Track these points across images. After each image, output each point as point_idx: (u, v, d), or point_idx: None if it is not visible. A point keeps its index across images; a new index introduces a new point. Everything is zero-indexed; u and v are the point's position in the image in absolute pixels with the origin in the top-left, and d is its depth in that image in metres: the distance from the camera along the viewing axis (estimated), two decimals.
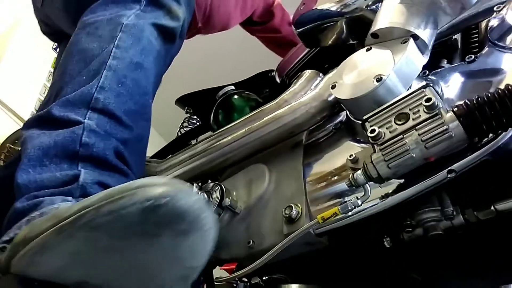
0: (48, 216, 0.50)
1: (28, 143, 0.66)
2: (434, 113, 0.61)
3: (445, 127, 0.60)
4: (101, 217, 0.46)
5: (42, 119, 0.70)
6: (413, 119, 0.64)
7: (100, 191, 0.52)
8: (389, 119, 0.67)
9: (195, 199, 0.49)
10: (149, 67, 0.79)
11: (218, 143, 0.99)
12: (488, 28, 0.79)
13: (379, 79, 0.71)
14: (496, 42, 0.76)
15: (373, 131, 0.66)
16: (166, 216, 0.47)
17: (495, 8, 0.78)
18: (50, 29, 1.20)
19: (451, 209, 0.68)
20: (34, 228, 0.49)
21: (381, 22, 0.77)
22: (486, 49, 0.78)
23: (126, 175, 0.68)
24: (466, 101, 0.60)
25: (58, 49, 1.20)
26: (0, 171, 1.05)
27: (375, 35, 0.78)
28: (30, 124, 0.71)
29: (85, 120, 0.67)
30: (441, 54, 0.90)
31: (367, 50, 0.78)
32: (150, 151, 1.47)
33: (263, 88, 1.33)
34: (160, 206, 0.46)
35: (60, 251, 0.47)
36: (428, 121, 0.62)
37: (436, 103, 0.62)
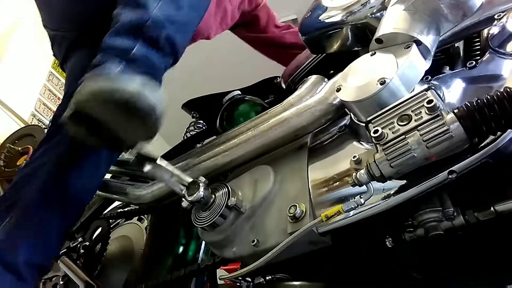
0: (89, 84, 0.85)
1: (117, 16, 0.96)
2: (436, 114, 0.64)
3: (446, 128, 0.62)
4: (100, 99, 0.83)
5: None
6: (415, 120, 0.66)
7: (143, 64, 0.93)
8: (391, 120, 0.69)
9: (156, 99, 0.84)
10: None
11: (224, 145, 1.02)
12: (489, 35, 0.82)
13: (382, 82, 0.73)
14: (497, 49, 0.78)
15: (376, 131, 0.68)
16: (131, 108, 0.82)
17: (496, 16, 0.81)
18: None
19: (452, 209, 0.69)
20: (84, 88, 0.85)
21: (385, 27, 0.79)
22: (487, 55, 0.80)
23: (168, 55, 0.98)
24: (467, 103, 0.62)
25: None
26: None
27: (379, 40, 0.80)
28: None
29: (159, 4, 0.95)
30: (444, 61, 0.92)
31: (372, 54, 0.81)
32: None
33: (269, 94, 1.35)
34: (129, 103, 0.82)
35: (86, 104, 0.84)
36: (430, 122, 0.64)
37: (438, 105, 0.64)
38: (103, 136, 0.88)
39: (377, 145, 0.68)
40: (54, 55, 1.28)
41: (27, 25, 3.40)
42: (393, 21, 0.79)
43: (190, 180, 0.90)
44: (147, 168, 0.91)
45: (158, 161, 0.92)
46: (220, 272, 1.20)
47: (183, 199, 0.89)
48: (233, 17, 1.51)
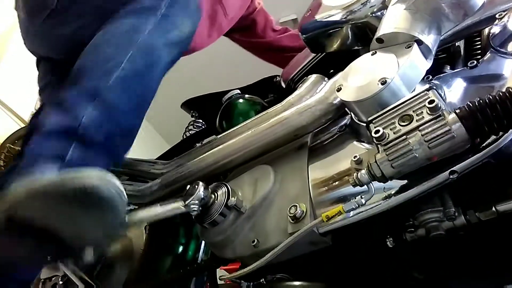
0: (26, 182, 0.72)
1: (43, 118, 0.84)
2: (437, 114, 0.63)
3: (447, 128, 0.62)
4: (53, 193, 0.70)
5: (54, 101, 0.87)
6: (416, 121, 0.65)
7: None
8: (393, 121, 0.68)
9: (115, 190, 0.72)
10: (155, 78, 0.93)
11: (224, 144, 1.01)
12: (490, 34, 0.81)
13: (383, 82, 0.73)
14: (498, 48, 0.78)
15: (377, 131, 0.68)
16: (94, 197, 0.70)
17: (497, 16, 0.80)
18: None
19: (453, 209, 0.69)
20: (20, 187, 0.71)
21: (386, 27, 0.79)
22: (488, 55, 0.80)
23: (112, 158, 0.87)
24: (468, 103, 0.62)
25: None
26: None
27: (380, 40, 0.80)
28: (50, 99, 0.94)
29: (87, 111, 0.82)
30: (445, 60, 0.92)
31: (372, 54, 0.81)
32: (153, 152, 1.50)
33: (268, 93, 1.35)
34: (92, 191, 0.69)
35: (28, 205, 0.70)
36: (431, 122, 0.63)
37: (439, 105, 0.63)
38: (46, 246, 0.74)
39: (378, 145, 0.68)
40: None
41: None
42: (394, 20, 0.79)
43: (180, 203, 0.86)
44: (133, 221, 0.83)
45: (137, 215, 0.84)
46: (220, 272, 1.20)
47: (182, 200, 0.88)
48: (230, 25, 1.49)
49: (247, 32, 1.65)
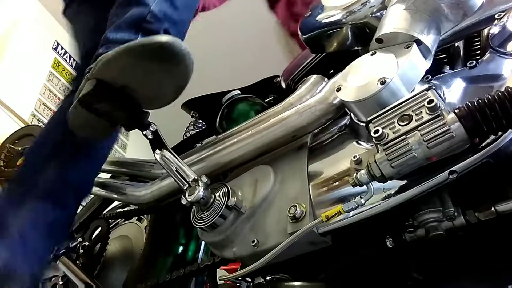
0: (116, 49, 0.85)
1: (114, 14, 1.02)
2: (436, 114, 0.63)
3: (446, 128, 0.62)
4: (135, 50, 0.84)
5: None
6: (415, 120, 0.66)
7: None
8: (392, 120, 0.68)
9: (183, 47, 0.84)
10: None
11: (224, 145, 1.01)
12: (490, 35, 0.82)
13: (383, 82, 0.73)
14: (497, 48, 0.78)
15: (376, 131, 0.68)
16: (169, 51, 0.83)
17: (496, 16, 0.80)
18: None
19: (452, 209, 0.69)
20: (105, 56, 0.86)
21: (385, 27, 0.79)
22: (487, 55, 0.80)
23: None
24: (467, 103, 0.62)
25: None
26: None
27: (379, 40, 0.80)
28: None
29: (154, 3, 0.98)
30: (444, 61, 0.92)
31: (372, 54, 0.81)
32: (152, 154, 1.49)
33: (268, 93, 1.35)
34: (163, 47, 0.83)
35: (114, 67, 0.86)
36: (430, 122, 0.63)
37: (438, 105, 0.64)
38: (127, 105, 0.90)
39: (378, 145, 0.68)
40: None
41: (27, 25, 3.40)
42: (393, 20, 0.79)
43: (193, 177, 0.90)
44: (158, 154, 0.93)
45: (169, 150, 0.94)
46: (220, 272, 1.20)
47: (183, 196, 0.88)
48: None
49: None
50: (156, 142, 0.94)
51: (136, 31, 0.96)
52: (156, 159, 0.93)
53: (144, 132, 0.94)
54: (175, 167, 0.92)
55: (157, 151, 0.93)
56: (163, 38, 0.84)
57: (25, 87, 3.31)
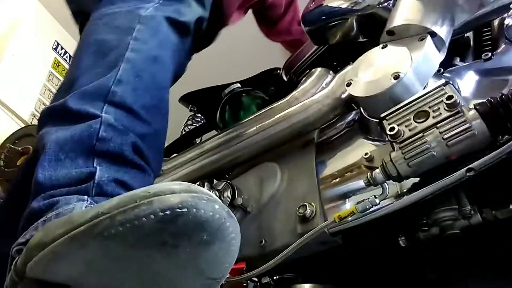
0: (61, 221, 0.47)
1: (45, 138, 0.64)
2: (456, 111, 0.61)
3: (467, 125, 0.59)
4: (115, 227, 0.43)
5: (57, 113, 0.68)
6: (433, 117, 0.63)
7: (116, 190, 0.57)
8: (408, 117, 0.66)
9: (217, 208, 0.45)
10: (166, 62, 0.78)
11: (227, 141, 0.98)
12: (504, 26, 0.79)
13: (396, 77, 0.70)
14: None
15: (392, 129, 0.65)
16: (185, 226, 0.43)
17: (511, 6, 0.77)
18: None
19: (469, 208, 0.67)
20: (48, 233, 0.47)
21: (397, 19, 0.76)
22: (502, 46, 0.77)
23: (143, 171, 0.65)
24: (489, 98, 0.59)
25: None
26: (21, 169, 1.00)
27: (391, 32, 0.77)
28: (44, 119, 0.69)
29: (102, 114, 0.65)
30: (454, 52, 0.89)
31: (383, 47, 0.78)
32: None
33: (269, 86, 1.32)
34: (178, 216, 0.42)
35: (74, 259, 0.45)
36: (450, 119, 0.61)
37: (458, 101, 0.61)
38: None
39: (393, 143, 0.65)
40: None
41: (27, 25, 3.34)
42: (405, 12, 0.76)
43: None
44: None
45: None
46: None
47: None
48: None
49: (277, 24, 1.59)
50: None
51: (88, 161, 0.61)
52: None
53: None
54: None
55: None
56: (174, 197, 0.43)
57: (25, 87, 3.27)
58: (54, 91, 3.58)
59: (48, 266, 0.46)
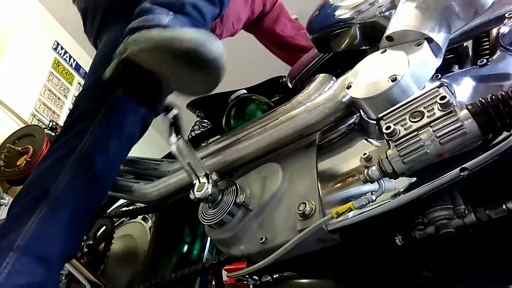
0: (145, 34, 0.85)
1: None
2: (449, 110, 0.63)
3: (459, 124, 0.62)
4: (165, 49, 0.81)
5: None
6: (427, 117, 0.66)
7: (192, 12, 0.95)
8: (404, 117, 0.69)
9: (212, 52, 0.80)
10: None
11: (232, 142, 1.01)
12: (500, 34, 0.82)
13: (394, 79, 0.73)
14: (508, 47, 0.78)
15: (388, 127, 0.68)
16: (198, 57, 0.80)
17: (506, 15, 0.80)
18: None
19: (463, 207, 0.69)
20: (138, 38, 0.85)
21: (396, 25, 0.79)
22: (497, 53, 0.80)
23: (215, 4, 1.02)
24: (481, 99, 0.62)
25: None
26: None
27: (390, 38, 0.80)
28: None
29: None
30: (453, 60, 0.92)
31: (382, 52, 0.81)
32: (154, 152, 1.50)
33: (274, 93, 1.35)
34: (197, 52, 0.79)
35: (146, 55, 0.84)
36: (443, 118, 0.64)
37: (451, 101, 0.64)
38: (152, 90, 0.88)
39: (389, 142, 0.68)
40: (86, 33, 1.26)
41: (27, 25, 3.41)
42: (404, 18, 0.79)
43: (204, 172, 0.89)
44: (173, 141, 0.91)
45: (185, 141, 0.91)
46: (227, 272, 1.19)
47: (191, 191, 0.88)
48: (259, 5, 1.52)
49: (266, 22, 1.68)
50: (175, 127, 0.92)
51: None
52: (170, 147, 0.91)
53: (166, 115, 0.92)
54: (189, 159, 0.90)
55: (173, 138, 0.91)
56: (191, 37, 0.80)
57: (25, 87, 3.32)
58: (54, 91, 3.64)
59: (136, 56, 0.84)
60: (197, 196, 0.86)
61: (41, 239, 0.91)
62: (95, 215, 1.08)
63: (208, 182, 0.86)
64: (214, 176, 0.88)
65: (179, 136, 0.92)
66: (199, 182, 0.88)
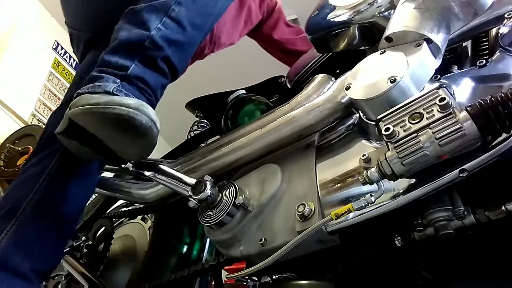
0: (86, 98, 0.88)
1: (117, 32, 0.98)
2: (448, 112, 0.63)
3: (458, 126, 0.62)
4: (105, 114, 0.86)
5: (131, 13, 1.00)
6: (427, 118, 0.65)
7: (138, 84, 0.93)
8: (403, 119, 0.68)
9: (145, 121, 0.86)
10: None
11: (230, 143, 1.01)
12: (499, 34, 0.82)
13: (393, 81, 0.73)
14: (507, 47, 0.78)
15: (387, 129, 0.68)
16: (129, 124, 0.86)
17: (505, 15, 0.80)
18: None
19: (462, 208, 0.69)
20: (80, 101, 0.89)
21: (395, 26, 0.79)
22: (497, 54, 0.80)
23: (165, 75, 0.99)
24: (480, 100, 0.62)
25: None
26: None
27: (389, 39, 0.80)
28: (124, 15, 1.01)
29: (159, 25, 0.96)
30: (452, 61, 0.92)
31: (381, 53, 0.81)
32: (154, 152, 1.49)
33: (273, 93, 1.35)
34: (127, 119, 0.85)
35: (84, 119, 0.88)
36: (442, 120, 0.63)
37: (450, 103, 0.64)
38: (98, 149, 0.91)
39: (388, 143, 0.68)
40: (74, 52, 1.29)
41: (27, 25, 3.40)
42: (403, 19, 0.79)
43: (194, 181, 0.90)
44: (148, 174, 0.95)
45: (160, 166, 0.95)
46: (226, 273, 1.19)
47: (190, 199, 0.88)
48: (257, 15, 1.51)
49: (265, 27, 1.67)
50: (142, 170, 0.96)
51: (132, 58, 0.94)
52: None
53: (124, 166, 0.96)
54: (171, 180, 0.94)
55: (146, 174, 0.96)
56: (126, 106, 0.85)
57: (25, 87, 3.31)
58: (54, 91, 3.63)
59: (76, 118, 0.88)
60: (196, 198, 0.86)
61: (13, 254, 0.94)
62: (71, 230, 1.10)
63: (206, 185, 0.86)
64: (208, 178, 0.88)
65: (150, 169, 0.96)
66: (194, 189, 0.88)
